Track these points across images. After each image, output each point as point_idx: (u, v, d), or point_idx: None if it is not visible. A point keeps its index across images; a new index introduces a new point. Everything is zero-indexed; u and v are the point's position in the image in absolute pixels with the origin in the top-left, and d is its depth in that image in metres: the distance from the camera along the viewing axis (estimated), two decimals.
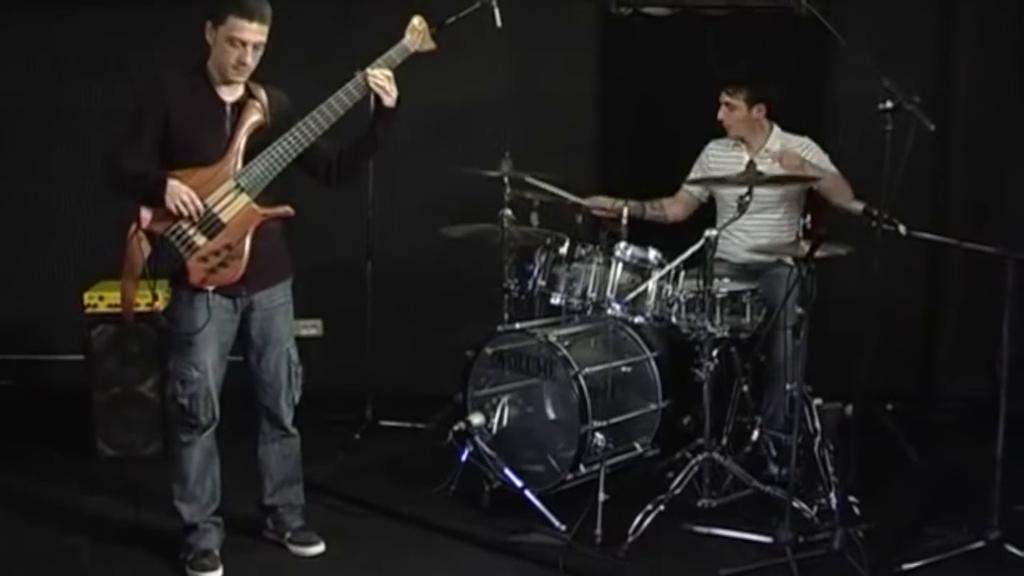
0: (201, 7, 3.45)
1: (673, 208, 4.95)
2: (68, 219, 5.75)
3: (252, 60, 3.43)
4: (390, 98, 3.56)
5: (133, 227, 3.41)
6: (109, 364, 4.66)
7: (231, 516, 3.80)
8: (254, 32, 3.39)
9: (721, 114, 4.70)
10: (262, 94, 3.55)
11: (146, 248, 3.40)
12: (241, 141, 3.47)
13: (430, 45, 3.66)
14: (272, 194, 3.52)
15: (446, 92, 5.55)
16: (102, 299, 4.64)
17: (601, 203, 4.71)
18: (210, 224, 3.41)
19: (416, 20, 3.62)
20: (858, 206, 3.72)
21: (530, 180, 4.58)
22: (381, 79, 3.52)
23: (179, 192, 3.35)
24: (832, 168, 4.59)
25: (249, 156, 3.47)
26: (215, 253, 3.43)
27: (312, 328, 5.72)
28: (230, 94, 3.51)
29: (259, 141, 3.48)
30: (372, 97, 3.58)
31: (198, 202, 3.38)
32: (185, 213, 3.37)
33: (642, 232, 4.45)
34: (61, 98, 5.65)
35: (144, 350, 4.64)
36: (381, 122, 3.62)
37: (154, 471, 4.25)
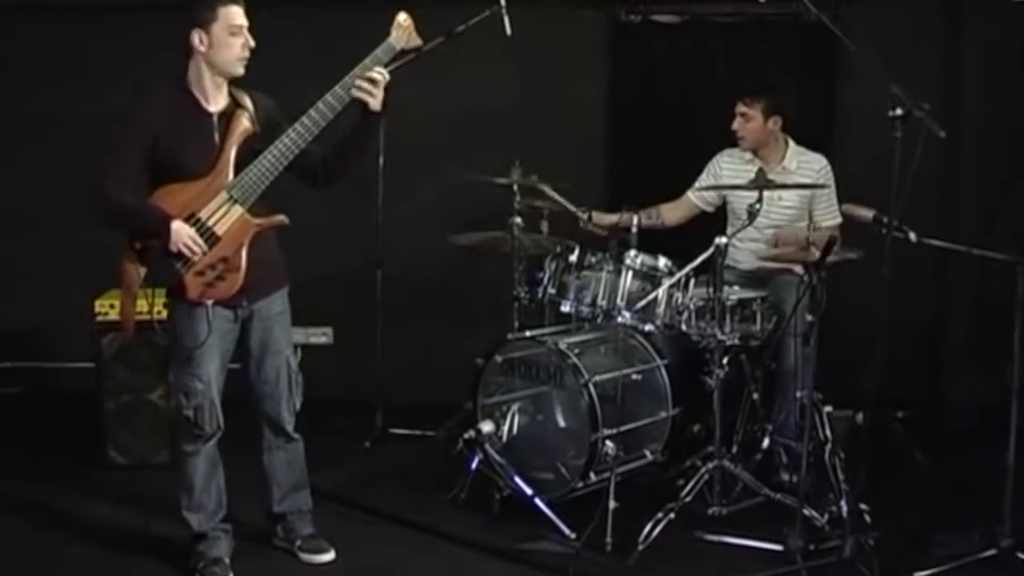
0: None
1: (673, 213, 4.91)
2: (78, 227, 5.75)
3: (251, 43, 3.42)
4: (376, 101, 3.47)
5: (127, 245, 3.38)
6: (119, 372, 4.67)
7: (240, 524, 3.80)
8: (243, 14, 3.39)
9: (736, 124, 4.64)
10: (247, 101, 3.48)
11: (141, 265, 3.38)
12: (232, 152, 3.41)
13: (416, 41, 3.57)
14: (268, 202, 3.47)
15: (455, 100, 5.57)
16: (112, 307, 4.65)
17: (601, 222, 4.64)
18: (205, 238, 3.36)
19: (401, 17, 3.53)
20: (867, 213, 3.71)
21: (540, 186, 4.55)
22: (366, 86, 3.43)
23: (182, 235, 3.32)
24: (834, 219, 4.53)
25: (240, 165, 3.41)
26: (211, 267, 3.39)
27: (322, 336, 5.72)
28: (214, 104, 3.46)
29: (250, 149, 3.43)
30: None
31: (201, 243, 3.34)
32: (188, 255, 3.34)
33: (652, 240, 4.45)
34: (72, 105, 5.65)
35: (154, 358, 4.64)
36: (366, 124, 3.54)
37: (164, 478, 4.23)
